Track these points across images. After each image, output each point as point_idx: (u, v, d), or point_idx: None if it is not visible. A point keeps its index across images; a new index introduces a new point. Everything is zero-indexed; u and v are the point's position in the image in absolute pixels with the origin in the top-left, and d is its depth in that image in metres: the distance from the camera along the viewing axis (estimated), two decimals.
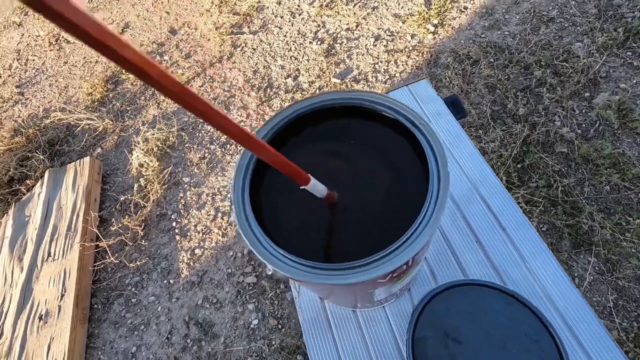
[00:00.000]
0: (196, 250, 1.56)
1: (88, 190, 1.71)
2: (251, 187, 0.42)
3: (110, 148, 1.99)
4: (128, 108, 2.12)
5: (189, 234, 1.61)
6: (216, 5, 2.46)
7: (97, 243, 1.61)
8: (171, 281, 1.51)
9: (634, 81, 1.57)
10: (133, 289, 1.53)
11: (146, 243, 1.61)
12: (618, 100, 1.49)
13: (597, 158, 1.40)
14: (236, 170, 0.44)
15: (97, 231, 1.63)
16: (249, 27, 2.29)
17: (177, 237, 1.61)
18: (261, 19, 2.30)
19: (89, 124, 2.04)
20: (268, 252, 0.38)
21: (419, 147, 0.41)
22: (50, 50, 2.66)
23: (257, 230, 0.39)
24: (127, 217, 1.66)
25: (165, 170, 1.78)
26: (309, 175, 0.36)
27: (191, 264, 1.53)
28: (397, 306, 0.59)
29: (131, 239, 1.61)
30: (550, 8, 1.87)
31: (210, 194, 1.70)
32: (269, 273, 0.41)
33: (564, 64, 1.64)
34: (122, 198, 1.75)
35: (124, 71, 2.28)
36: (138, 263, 1.57)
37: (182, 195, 1.72)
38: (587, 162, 1.41)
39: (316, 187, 0.37)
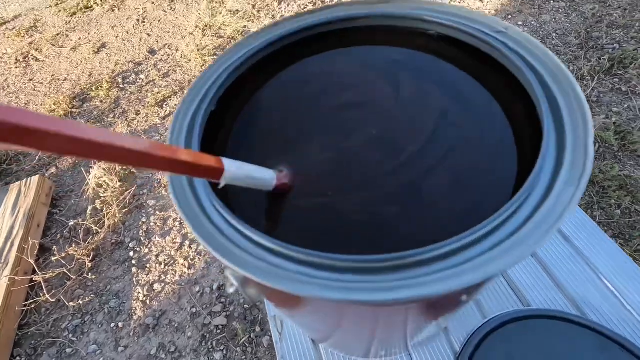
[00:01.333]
0: (155, 286, 1.30)
1: (31, 213, 1.45)
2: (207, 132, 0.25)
3: (67, 167, 1.76)
4: (94, 125, 1.92)
5: (148, 265, 1.35)
6: (200, 29, 2.41)
7: (32, 277, 1.32)
8: (120, 325, 1.23)
9: (625, 105, 1.55)
10: (70, 335, 1.23)
11: (94, 277, 1.33)
12: (614, 122, 1.45)
13: (604, 180, 1.31)
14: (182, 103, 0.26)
15: (33, 262, 1.35)
16: None
17: (134, 270, 1.35)
18: None
19: None
20: (229, 240, 0.20)
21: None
22: (16, 68, 2.49)
23: (208, 196, 0.22)
24: (74, 246, 1.40)
25: (127, 192, 1.55)
26: (222, 161, 0.20)
27: (148, 302, 1.26)
28: (431, 351, 0.40)
29: (76, 271, 1.34)
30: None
31: (178, 219, 1.47)
32: (230, 291, 0.24)
33: None
34: (72, 223, 1.49)
35: (94, 87, 2.12)
36: (81, 302, 1.28)
37: (144, 221, 1.48)
38: (593, 185, 1.32)
39: (250, 177, 0.21)
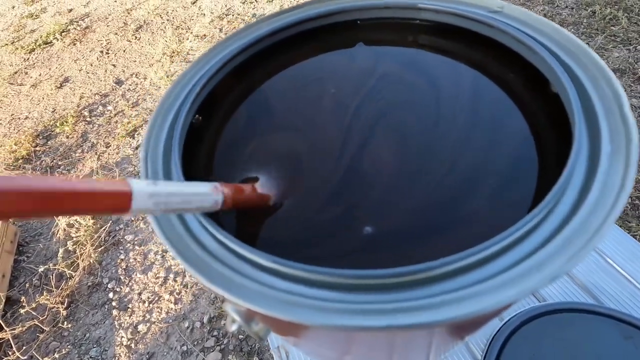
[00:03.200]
0: (140, 327, 1.20)
1: None
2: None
3: None
4: (60, 163, 1.82)
5: (130, 305, 1.26)
6: (168, 56, 2.38)
7: None
8: None
9: None
10: None
11: (70, 325, 1.22)
12: None
13: None
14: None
15: None
16: None
17: (115, 312, 1.25)
18: None
19: None
20: (225, 266, 0.17)
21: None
22: None
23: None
24: (45, 294, 1.28)
25: (102, 229, 1.46)
26: (129, 186, 0.17)
27: (133, 346, 1.16)
28: None
29: (49, 322, 1.22)
30: None
31: (160, 252, 1.39)
32: (233, 329, 0.21)
33: None
34: (42, 269, 1.37)
35: (58, 123, 2.03)
36: (57, 355, 1.17)
37: (123, 257, 1.39)
38: None
39: (173, 196, 0.18)
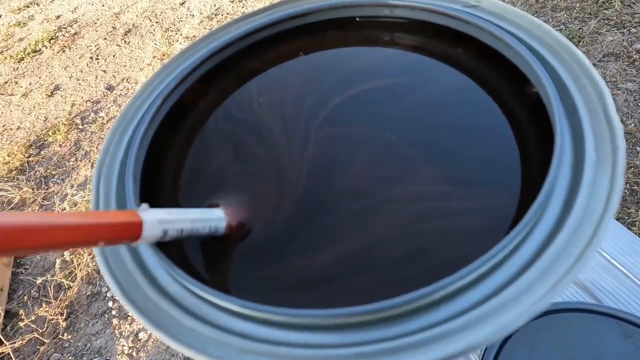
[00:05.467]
0: (141, 335, 1.20)
1: None
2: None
3: None
4: (54, 172, 1.81)
5: (130, 313, 1.25)
6: (158, 59, 2.35)
7: None
8: None
9: None
10: None
11: (70, 336, 1.22)
12: None
13: None
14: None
15: None
16: None
17: (115, 321, 1.24)
18: None
19: (1, 196, 1.69)
20: (215, 329, 0.16)
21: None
22: None
23: (165, 265, 0.17)
24: (44, 306, 1.28)
25: None
26: (139, 216, 0.16)
27: (134, 354, 1.16)
28: None
29: (49, 334, 1.22)
30: None
31: None
32: None
33: None
34: (40, 281, 1.37)
35: (51, 132, 2.01)
36: None
37: None
38: None
39: (186, 222, 0.17)
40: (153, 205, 0.21)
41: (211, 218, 0.19)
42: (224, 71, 0.28)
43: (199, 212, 0.18)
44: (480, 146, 0.23)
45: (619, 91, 1.51)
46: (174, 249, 0.20)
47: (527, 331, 0.35)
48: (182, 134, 0.28)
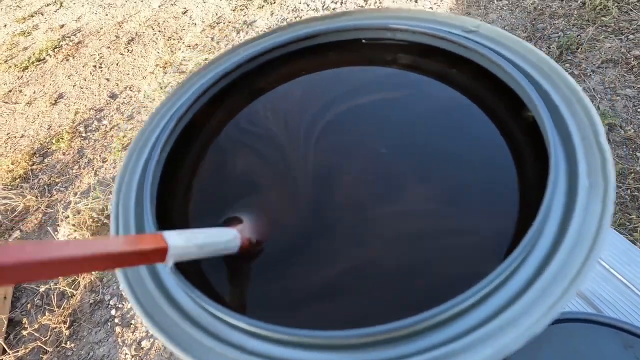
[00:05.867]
0: (143, 343, 1.20)
1: None
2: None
3: (33, 229, 1.64)
4: (57, 180, 1.82)
5: (133, 321, 1.25)
6: (160, 67, 2.38)
7: (2, 358, 1.19)
8: None
9: (581, 87, 1.63)
10: None
11: (73, 345, 1.22)
12: None
13: None
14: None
15: (1, 341, 1.22)
16: None
17: (118, 329, 1.24)
18: None
19: (5, 204, 1.70)
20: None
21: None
22: None
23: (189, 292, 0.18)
24: (47, 314, 1.28)
25: None
26: (163, 238, 0.17)
27: None
28: None
29: (52, 342, 1.22)
30: None
31: None
32: None
33: None
34: (43, 289, 1.37)
35: (54, 140, 2.03)
36: None
37: None
38: None
39: (205, 245, 0.18)
40: (167, 222, 0.22)
41: (226, 238, 0.20)
42: (231, 91, 0.29)
43: (214, 232, 0.19)
44: (476, 165, 0.23)
45: (618, 97, 1.52)
46: (191, 268, 0.21)
47: (529, 342, 0.36)
48: (194, 152, 0.29)
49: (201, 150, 0.29)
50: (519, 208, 0.20)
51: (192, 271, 0.21)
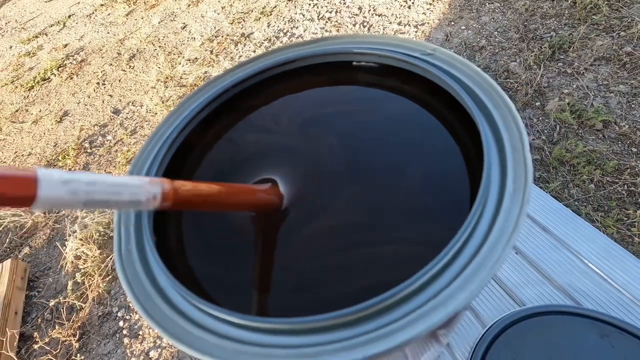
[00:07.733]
0: (151, 353, 1.22)
1: (7, 301, 1.35)
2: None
3: (42, 245, 1.68)
4: None
5: (141, 332, 1.28)
6: (162, 82, 2.43)
7: None
8: None
9: (574, 86, 1.65)
10: None
11: (83, 357, 1.24)
12: (568, 103, 1.53)
13: (572, 158, 1.36)
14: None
15: (14, 355, 1.24)
16: None
17: (126, 340, 1.27)
18: None
19: (14, 221, 1.74)
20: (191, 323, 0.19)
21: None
22: None
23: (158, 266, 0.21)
24: (57, 327, 1.31)
25: (109, 259, 1.49)
26: (34, 171, 0.15)
27: None
28: None
29: (63, 355, 1.24)
30: (479, 39, 2.03)
31: None
32: None
33: (508, 80, 1.71)
34: (53, 303, 1.40)
35: (60, 157, 2.08)
36: None
37: None
38: (563, 164, 1.37)
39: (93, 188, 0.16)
40: (159, 228, 0.25)
41: (131, 184, 0.18)
42: (222, 111, 0.33)
43: (118, 178, 0.18)
44: (422, 166, 0.27)
45: (612, 94, 1.53)
46: (180, 265, 0.24)
47: (511, 334, 0.38)
48: (187, 167, 0.32)
49: (195, 165, 0.31)
50: (460, 207, 0.23)
51: (182, 272, 0.24)
